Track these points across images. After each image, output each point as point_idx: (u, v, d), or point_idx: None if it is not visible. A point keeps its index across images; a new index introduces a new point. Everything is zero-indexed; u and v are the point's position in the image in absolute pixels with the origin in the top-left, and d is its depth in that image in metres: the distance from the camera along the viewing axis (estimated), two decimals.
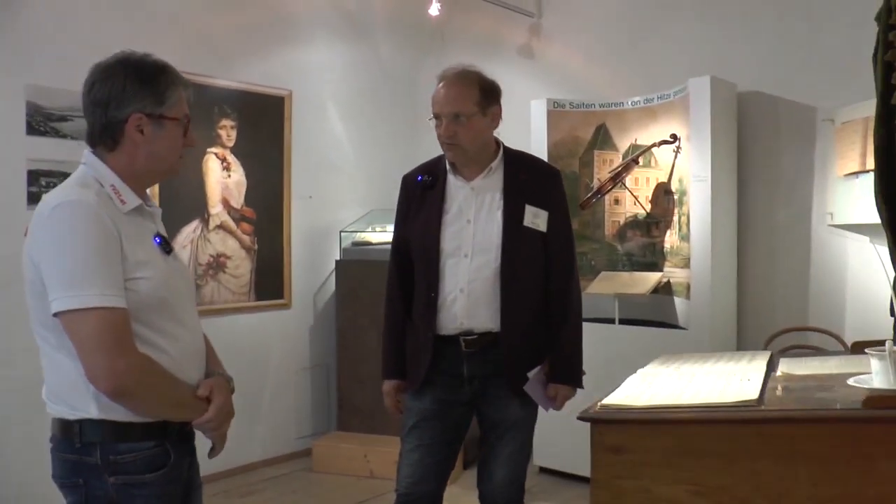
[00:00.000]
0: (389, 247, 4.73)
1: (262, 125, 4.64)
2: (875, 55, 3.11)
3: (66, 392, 1.73)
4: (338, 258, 4.98)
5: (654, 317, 4.35)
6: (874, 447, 1.50)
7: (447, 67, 2.67)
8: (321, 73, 5.02)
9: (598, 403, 1.79)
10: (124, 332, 1.68)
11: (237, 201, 4.52)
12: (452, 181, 2.68)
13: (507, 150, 2.72)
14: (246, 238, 4.57)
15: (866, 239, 3.74)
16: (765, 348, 3.85)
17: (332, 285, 5.06)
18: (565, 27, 5.07)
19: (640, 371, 2.14)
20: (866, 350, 1.65)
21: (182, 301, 1.88)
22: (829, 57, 3.90)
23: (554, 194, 2.70)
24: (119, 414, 1.71)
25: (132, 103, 1.77)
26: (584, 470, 4.17)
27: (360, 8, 5.26)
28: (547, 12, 5.16)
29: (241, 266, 4.54)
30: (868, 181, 3.52)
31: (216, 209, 4.41)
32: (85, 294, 1.64)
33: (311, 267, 4.98)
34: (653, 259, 4.46)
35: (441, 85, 2.61)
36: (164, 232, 1.91)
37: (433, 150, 5.85)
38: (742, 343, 4.15)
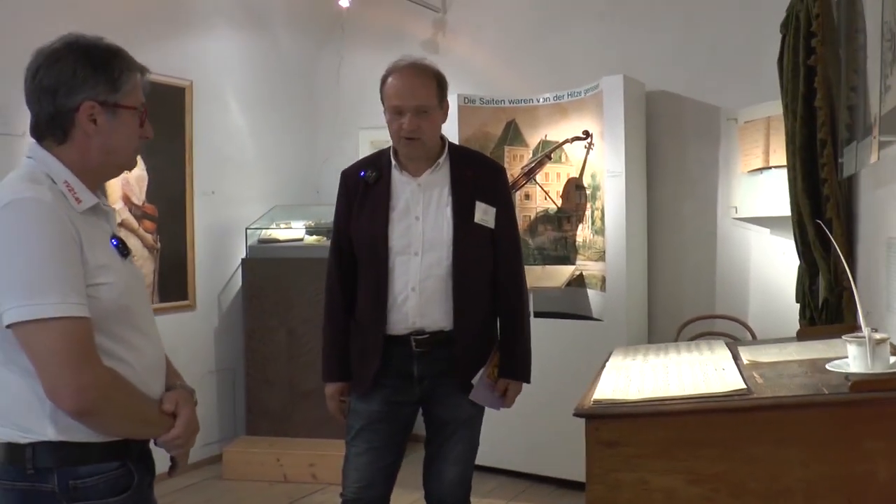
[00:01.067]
0: (297, 244, 4.73)
1: (163, 117, 4.39)
2: (780, 60, 3.33)
3: (16, 413, 1.56)
4: (244, 256, 4.79)
5: (567, 309, 4.46)
6: (860, 427, 1.59)
7: (397, 60, 2.61)
8: (221, 64, 4.82)
9: (591, 399, 1.81)
10: (89, 345, 1.53)
11: (138, 198, 4.25)
12: (397, 177, 2.62)
13: (452, 146, 2.70)
14: (148, 237, 4.31)
15: (767, 231, 3.99)
16: (677, 336, 4.04)
17: (236, 285, 4.87)
18: (470, 23, 5.10)
19: (608, 365, 2.18)
20: (843, 337, 1.75)
21: (143, 309, 1.75)
22: (731, 60, 4.13)
23: (501, 190, 2.70)
24: (80, 434, 1.57)
25: (84, 90, 1.62)
26: (500, 462, 4.29)
27: None
28: (452, 7, 5.17)
29: (143, 266, 4.27)
30: (772, 177, 3.76)
31: (116, 206, 4.13)
32: (45, 303, 1.48)
33: (215, 266, 4.77)
34: (564, 253, 4.57)
35: (397, 77, 2.54)
36: (118, 233, 1.77)
37: (333, 145, 5.78)
38: (654, 332, 4.33)
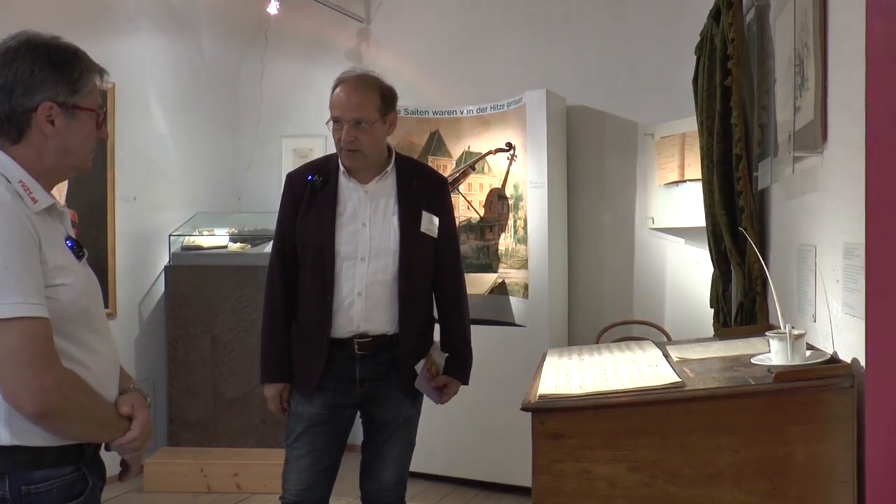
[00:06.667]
0: (221, 251, 4.69)
1: None
2: (695, 81, 3.54)
3: None
4: (167, 263, 4.71)
5: (490, 316, 4.57)
6: (782, 414, 1.75)
7: (344, 72, 2.68)
8: (144, 67, 4.74)
9: (536, 394, 1.91)
10: (50, 346, 1.52)
11: (58, 202, 4.12)
12: (345, 183, 2.67)
13: (399, 156, 2.78)
14: None
15: (682, 241, 4.22)
16: (597, 341, 4.21)
17: (157, 293, 4.78)
18: (395, 34, 5.17)
19: (546, 364, 2.29)
20: (767, 334, 1.90)
21: (99, 311, 1.74)
22: (648, 78, 4.36)
23: (444, 202, 2.81)
24: (35, 438, 1.55)
25: (42, 91, 1.60)
26: (424, 467, 4.38)
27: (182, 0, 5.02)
28: (376, 19, 5.24)
29: None
30: (687, 190, 3.99)
31: None
32: (6, 303, 1.47)
33: (137, 273, 4.67)
34: (487, 261, 4.69)
35: (340, 89, 2.61)
36: (73, 234, 1.76)
37: (256, 152, 5.74)
38: (574, 338, 4.50)
